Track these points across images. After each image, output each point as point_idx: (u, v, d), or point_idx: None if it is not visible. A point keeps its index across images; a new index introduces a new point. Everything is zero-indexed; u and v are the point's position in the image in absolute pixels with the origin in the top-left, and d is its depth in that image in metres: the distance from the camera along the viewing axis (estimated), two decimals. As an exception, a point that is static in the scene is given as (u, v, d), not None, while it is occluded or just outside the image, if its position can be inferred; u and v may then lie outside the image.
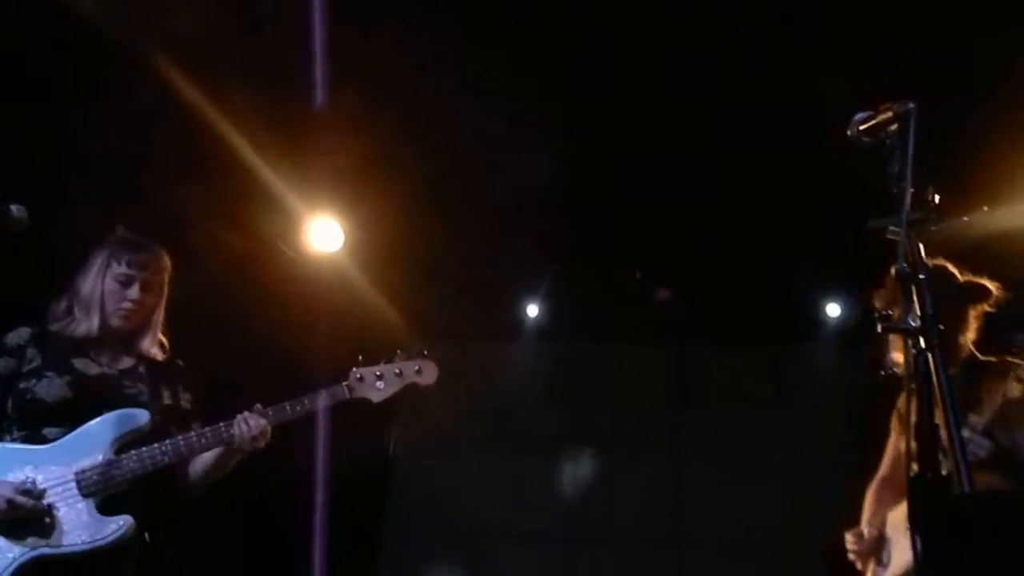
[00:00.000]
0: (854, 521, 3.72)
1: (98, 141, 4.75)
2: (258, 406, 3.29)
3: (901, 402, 3.70)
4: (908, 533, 3.31)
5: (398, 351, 3.46)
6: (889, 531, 3.54)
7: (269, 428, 3.27)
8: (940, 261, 3.33)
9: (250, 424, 3.24)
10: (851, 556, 3.63)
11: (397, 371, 3.41)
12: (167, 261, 3.44)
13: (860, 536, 3.62)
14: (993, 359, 3.32)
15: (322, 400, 3.34)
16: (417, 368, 3.43)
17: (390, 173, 5.41)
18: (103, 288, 3.31)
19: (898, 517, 3.52)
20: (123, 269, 3.32)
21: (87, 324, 3.31)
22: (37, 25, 4.41)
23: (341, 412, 3.49)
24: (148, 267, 3.36)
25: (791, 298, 6.60)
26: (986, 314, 3.42)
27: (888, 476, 3.74)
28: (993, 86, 4.35)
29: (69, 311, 3.35)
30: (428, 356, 3.46)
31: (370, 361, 3.41)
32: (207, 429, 3.26)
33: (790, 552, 6.47)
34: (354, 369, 3.39)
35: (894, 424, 3.74)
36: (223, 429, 3.26)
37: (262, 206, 5.55)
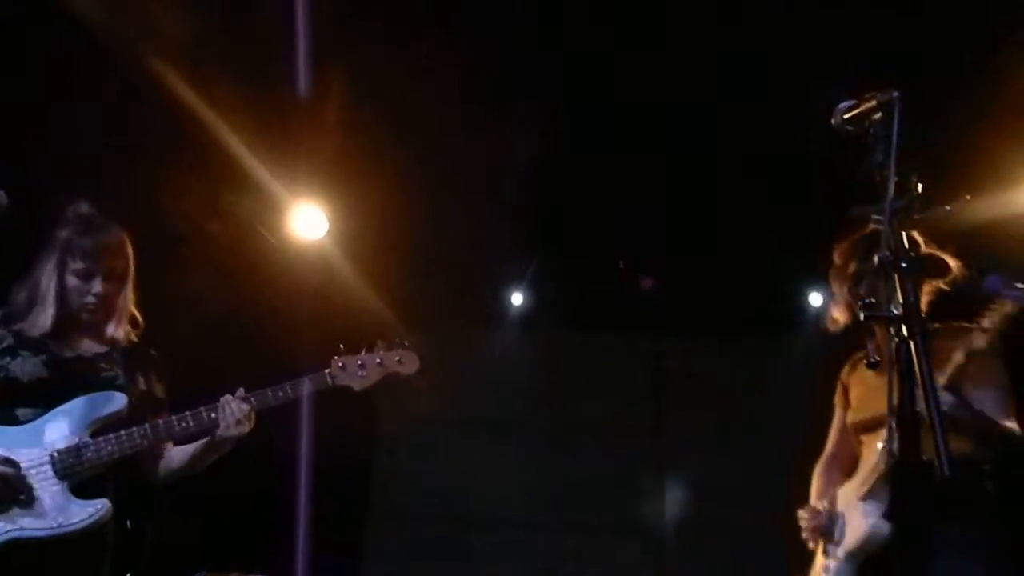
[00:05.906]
0: (804, 500, 3.72)
1: (80, 128, 4.71)
2: (240, 391, 3.25)
3: (843, 376, 3.72)
4: (860, 508, 3.37)
5: (379, 341, 3.44)
6: (840, 507, 3.53)
7: (253, 414, 3.23)
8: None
9: (233, 409, 3.19)
10: (804, 534, 3.61)
11: (378, 360, 3.39)
12: (126, 242, 3.32)
13: (815, 512, 3.60)
14: (939, 325, 3.27)
15: (305, 387, 3.31)
16: (398, 358, 3.42)
17: (374, 160, 5.40)
18: (62, 284, 3.21)
19: (848, 494, 3.51)
20: (80, 264, 3.22)
21: (42, 320, 3.21)
22: (14, 9, 4.37)
23: (325, 399, 3.49)
24: (106, 255, 3.25)
25: (774, 287, 6.62)
26: (940, 291, 3.34)
27: (834, 454, 3.74)
28: (978, 75, 4.37)
29: (30, 306, 3.24)
30: (409, 347, 3.45)
31: (352, 350, 3.39)
32: (188, 413, 3.20)
33: (770, 539, 6.50)
34: (336, 358, 3.36)
35: (837, 400, 3.75)
36: (204, 414, 3.20)
37: (246, 193, 5.54)
